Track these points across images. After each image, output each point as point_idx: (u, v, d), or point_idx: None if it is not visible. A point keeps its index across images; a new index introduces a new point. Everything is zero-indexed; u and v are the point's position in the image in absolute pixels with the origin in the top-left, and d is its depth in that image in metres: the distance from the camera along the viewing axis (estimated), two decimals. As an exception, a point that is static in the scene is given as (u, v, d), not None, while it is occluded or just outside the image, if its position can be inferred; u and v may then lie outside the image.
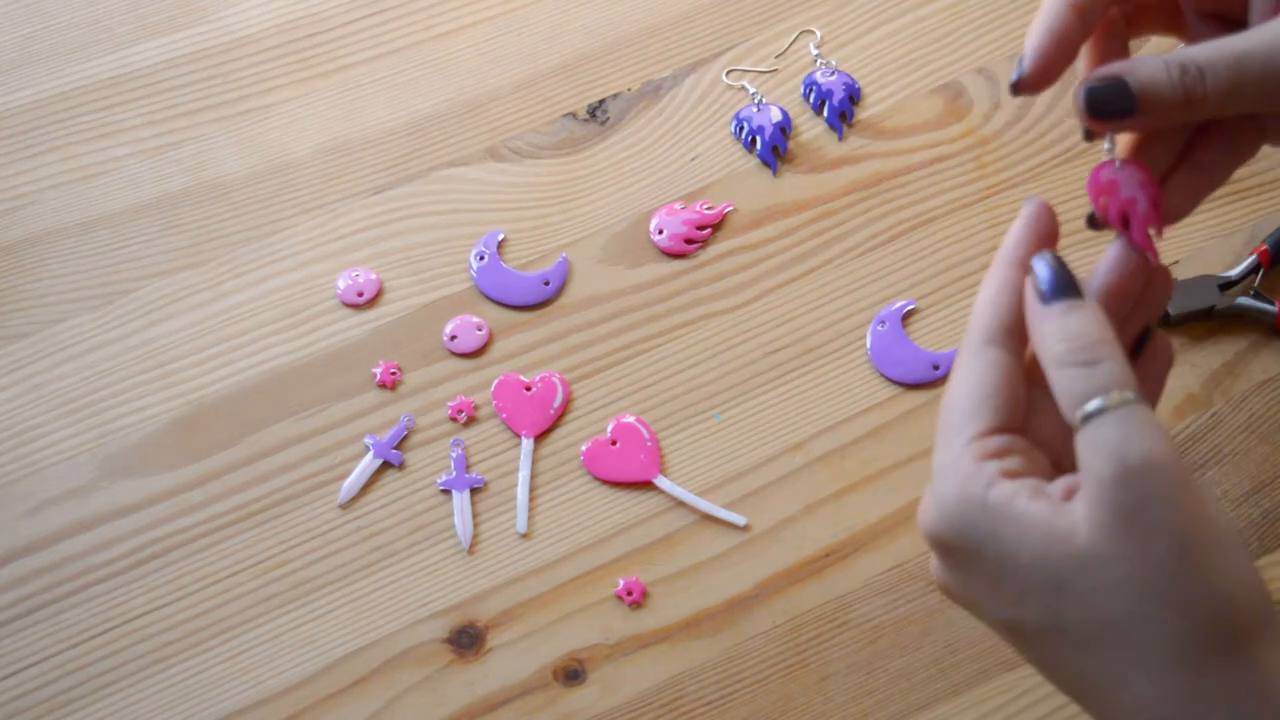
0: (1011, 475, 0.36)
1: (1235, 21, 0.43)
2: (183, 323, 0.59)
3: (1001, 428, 0.37)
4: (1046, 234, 0.40)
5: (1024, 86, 0.42)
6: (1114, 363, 0.36)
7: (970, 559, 0.37)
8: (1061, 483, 0.36)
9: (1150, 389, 0.40)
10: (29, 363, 0.59)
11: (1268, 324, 0.58)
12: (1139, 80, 0.42)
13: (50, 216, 0.62)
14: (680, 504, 0.55)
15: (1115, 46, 0.44)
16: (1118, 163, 0.44)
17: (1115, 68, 0.42)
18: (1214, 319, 0.59)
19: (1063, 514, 0.35)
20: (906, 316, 0.59)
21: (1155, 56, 0.42)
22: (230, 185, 0.63)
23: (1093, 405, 0.35)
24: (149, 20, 0.68)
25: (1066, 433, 0.37)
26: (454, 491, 0.55)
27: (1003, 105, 0.64)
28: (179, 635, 0.53)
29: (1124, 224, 0.42)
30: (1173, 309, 0.58)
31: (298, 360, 0.59)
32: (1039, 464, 0.38)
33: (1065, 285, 0.38)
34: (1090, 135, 0.43)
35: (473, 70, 0.66)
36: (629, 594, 0.53)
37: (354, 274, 0.60)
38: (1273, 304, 0.58)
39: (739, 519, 0.55)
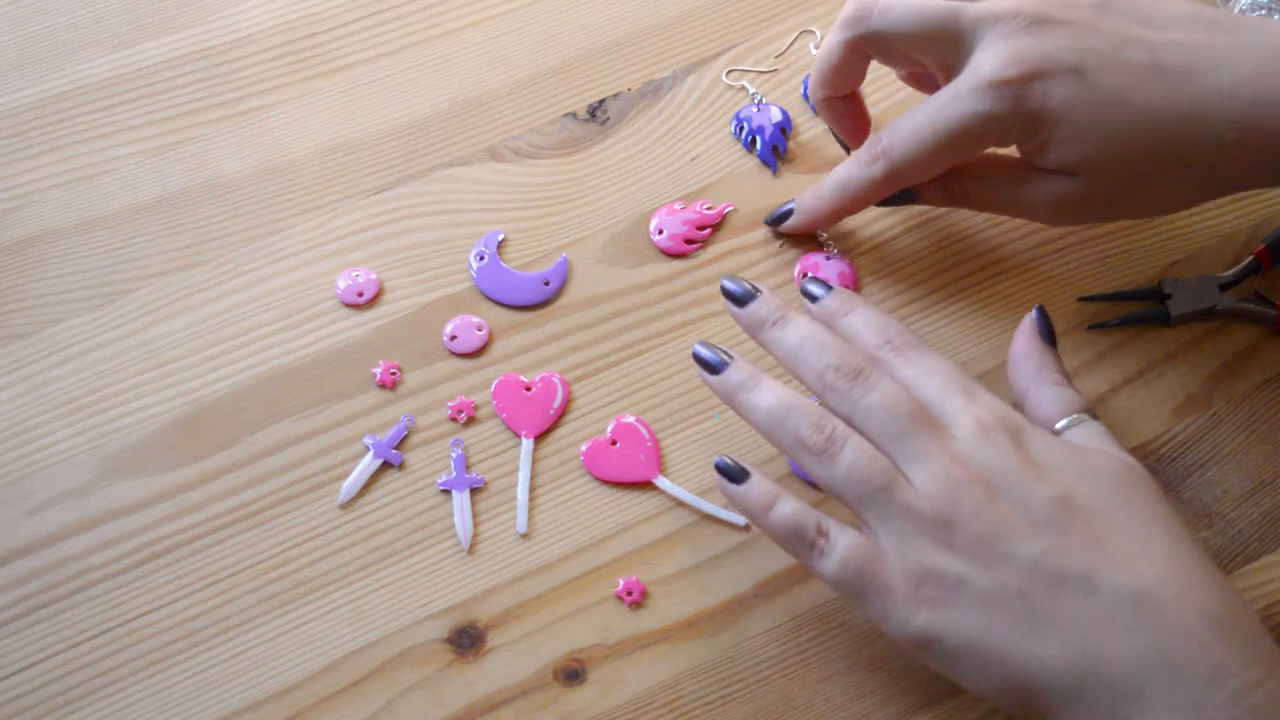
0: None
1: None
2: (183, 323, 0.59)
3: None
4: None
5: (781, 233, 0.61)
6: None
7: None
8: None
9: None
10: (29, 363, 0.59)
11: (1268, 324, 0.58)
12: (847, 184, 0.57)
13: (50, 216, 0.62)
14: (680, 504, 0.55)
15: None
16: (829, 254, 0.60)
17: (831, 180, 0.58)
18: (1214, 319, 0.59)
19: None
20: None
21: (853, 159, 0.57)
22: (230, 185, 0.63)
23: (1082, 414, 0.49)
24: (149, 20, 0.68)
25: None
26: (454, 491, 0.55)
27: (1003, 105, 0.64)
28: (179, 635, 0.53)
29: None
30: (1173, 309, 0.58)
31: (298, 360, 0.59)
32: None
33: (1054, 338, 0.52)
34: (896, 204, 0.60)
35: (473, 70, 0.66)
36: (629, 594, 0.53)
37: (354, 274, 0.60)
38: (1273, 304, 0.58)
39: (739, 519, 0.55)
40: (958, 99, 0.52)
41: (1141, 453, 0.56)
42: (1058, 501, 0.44)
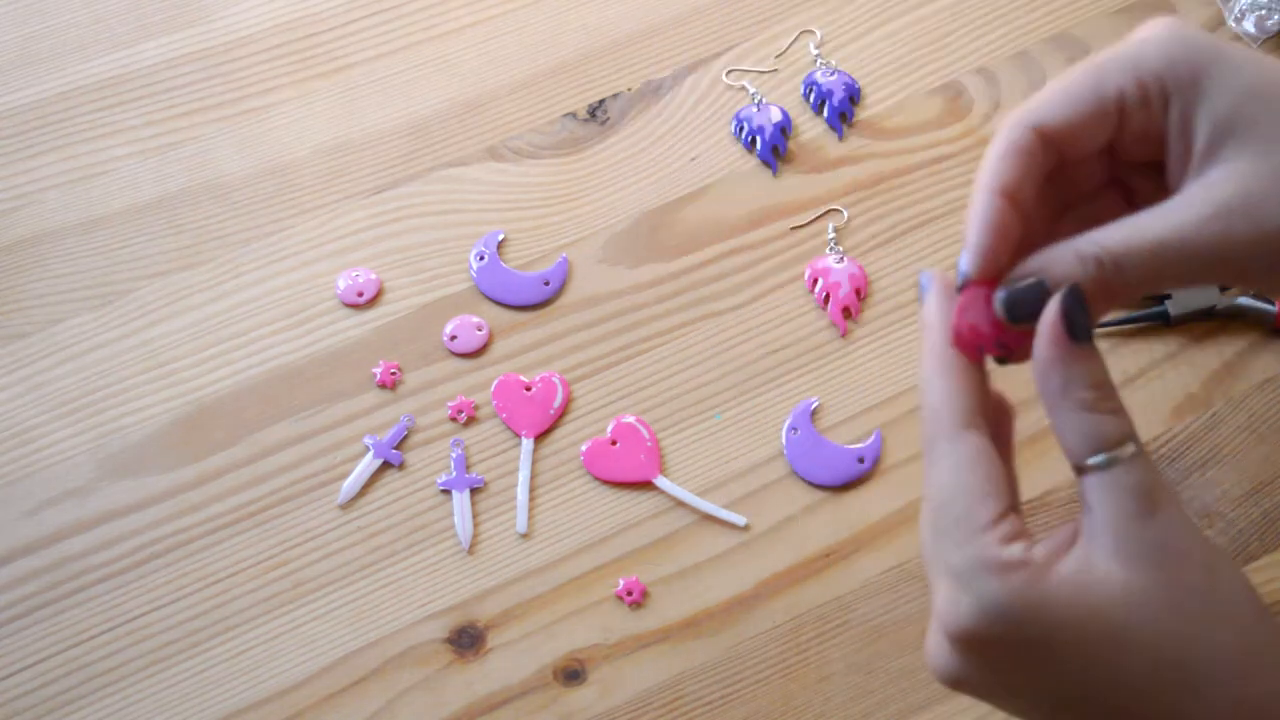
0: (1030, 551, 0.36)
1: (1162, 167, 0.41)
2: (183, 323, 0.59)
3: (1006, 510, 0.37)
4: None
5: (974, 283, 0.41)
6: (1126, 414, 0.38)
7: (1023, 649, 0.36)
8: (1060, 536, 0.37)
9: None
10: (29, 363, 0.59)
11: (1268, 324, 0.58)
12: (1054, 279, 0.40)
13: (50, 216, 0.62)
14: (680, 504, 0.55)
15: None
16: (840, 257, 0.57)
17: (1030, 265, 0.40)
18: (1214, 319, 0.59)
19: (1092, 566, 0.36)
20: (816, 413, 0.57)
21: (1068, 247, 0.40)
22: (230, 185, 0.63)
23: (1127, 450, 0.36)
24: (149, 20, 0.68)
25: None
26: (454, 491, 0.55)
27: (1002, 105, 0.64)
28: (179, 635, 0.53)
29: (825, 300, 0.57)
30: (1173, 309, 0.58)
31: (298, 360, 0.59)
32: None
33: (1089, 329, 0.37)
34: (1006, 357, 0.42)
35: (473, 70, 0.66)
36: (629, 594, 0.53)
37: (354, 274, 0.60)
38: (1272, 304, 0.58)
39: (739, 519, 0.55)
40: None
41: (1141, 453, 0.56)
42: None
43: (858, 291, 0.59)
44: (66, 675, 0.52)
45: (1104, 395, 0.38)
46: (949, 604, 0.37)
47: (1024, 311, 0.40)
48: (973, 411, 0.39)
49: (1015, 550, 0.36)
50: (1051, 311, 0.38)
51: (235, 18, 0.68)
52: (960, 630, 0.36)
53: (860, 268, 0.60)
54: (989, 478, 0.38)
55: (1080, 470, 0.37)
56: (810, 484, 0.55)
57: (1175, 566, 0.36)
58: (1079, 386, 0.38)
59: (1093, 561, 0.36)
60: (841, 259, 0.60)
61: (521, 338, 0.59)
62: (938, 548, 0.37)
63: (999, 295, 0.40)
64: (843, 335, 0.59)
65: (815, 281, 0.60)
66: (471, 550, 0.54)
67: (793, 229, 0.62)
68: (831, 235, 0.61)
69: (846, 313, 0.59)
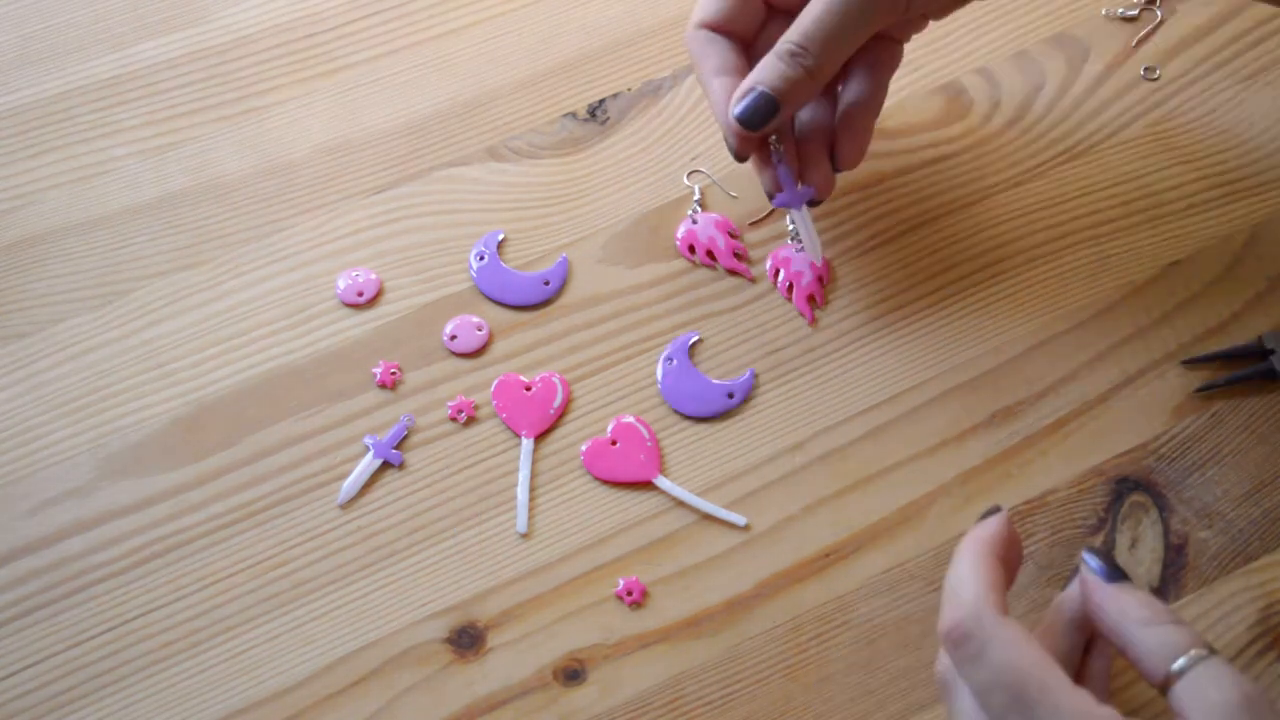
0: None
1: None
2: (183, 323, 0.59)
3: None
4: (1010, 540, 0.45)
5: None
6: (1188, 625, 0.41)
7: None
8: None
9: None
10: (29, 363, 0.59)
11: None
12: (769, 84, 0.51)
13: (50, 216, 0.62)
14: (680, 504, 0.55)
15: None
16: (798, 247, 0.60)
17: (746, 82, 0.51)
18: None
19: None
20: (694, 347, 0.58)
21: (770, 55, 0.51)
22: (230, 185, 0.63)
23: (1196, 651, 0.40)
24: (149, 20, 0.68)
25: None
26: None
27: (1002, 105, 0.64)
28: (179, 635, 0.53)
29: (789, 291, 0.59)
30: (1278, 365, 0.58)
31: (298, 360, 0.59)
32: None
33: (1119, 568, 0.44)
34: (741, 157, 0.54)
35: (473, 70, 0.66)
36: (629, 594, 0.53)
37: (354, 274, 0.60)
38: (1273, 304, 0.58)
39: (739, 519, 0.55)
40: None
41: (1141, 453, 0.56)
42: None
43: (820, 279, 0.59)
44: (66, 675, 0.52)
45: (1161, 610, 0.42)
46: None
47: (756, 119, 0.52)
48: (1004, 603, 0.43)
49: (1110, 711, 0.39)
50: (1087, 576, 0.44)
51: (235, 18, 0.68)
52: None
53: (823, 259, 0.60)
54: (1049, 650, 0.41)
55: (1167, 683, 0.40)
56: (680, 414, 0.57)
57: None
58: (1135, 609, 0.42)
59: None
60: (799, 249, 0.60)
61: (521, 338, 0.59)
62: (1032, 714, 0.39)
63: (733, 110, 0.52)
64: (810, 324, 0.59)
65: (777, 273, 0.60)
66: (466, 552, 0.54)
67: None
68: (790, 225, 0.61)
69: (811, 300, 0.59)
